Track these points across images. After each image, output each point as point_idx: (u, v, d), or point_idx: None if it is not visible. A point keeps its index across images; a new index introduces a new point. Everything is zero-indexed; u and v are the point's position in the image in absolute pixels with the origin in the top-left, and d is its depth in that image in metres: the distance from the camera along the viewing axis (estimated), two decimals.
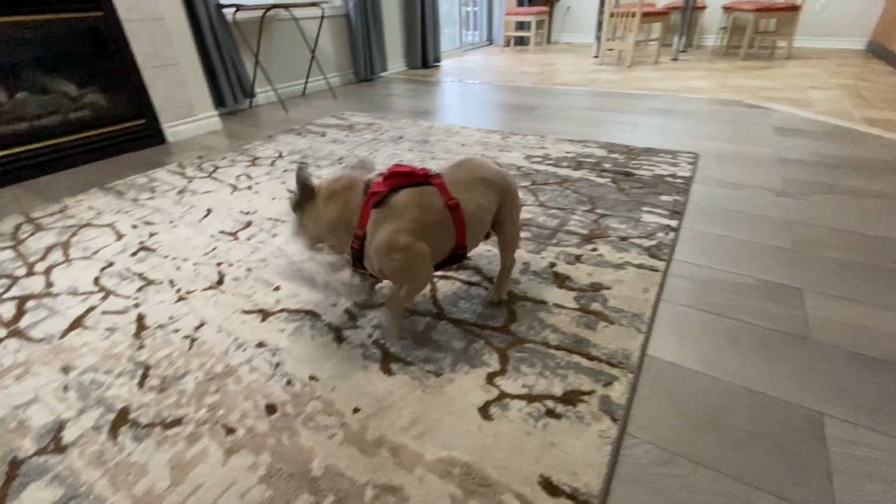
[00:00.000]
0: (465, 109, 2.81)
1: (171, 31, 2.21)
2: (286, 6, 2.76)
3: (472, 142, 2.13)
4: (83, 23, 1.94)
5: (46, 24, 1.85)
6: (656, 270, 1.11)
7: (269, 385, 0.83)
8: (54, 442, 0.74)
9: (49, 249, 1.31)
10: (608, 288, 1.05)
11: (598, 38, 4.74)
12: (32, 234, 1.40)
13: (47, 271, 1.21)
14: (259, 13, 2.91)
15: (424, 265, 0.81)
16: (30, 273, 1.20)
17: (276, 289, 1.10)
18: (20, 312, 1.05)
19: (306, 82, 3.41)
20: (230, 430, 0.74)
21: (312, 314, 1.01)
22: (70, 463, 0.70)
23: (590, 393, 0.78)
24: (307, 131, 2.40)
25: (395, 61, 4.32)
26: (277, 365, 0.87)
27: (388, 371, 0.85)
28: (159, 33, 2.16)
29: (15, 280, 1.17)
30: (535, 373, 0.83)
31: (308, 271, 0.99)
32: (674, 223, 1.33)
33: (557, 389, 0.79)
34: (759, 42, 4.89)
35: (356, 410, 0.77)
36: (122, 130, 2.15)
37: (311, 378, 0.84)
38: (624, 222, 1.34)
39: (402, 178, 0.82)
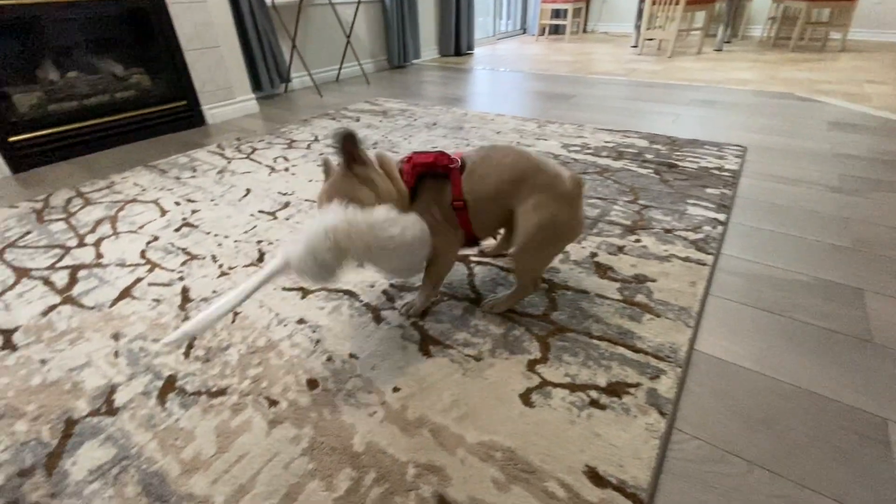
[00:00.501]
0: (500, 97, 2.76)
1: (213, 13, 2.24)
2: None
3: (507, 129, 2.09)
4: (131, 4, 1.99)
5: (96, 5, 1.90)
6: (704, 264, 1.07)
7: (309, 360, 0.83)
8: (106, 404, 0.76)
9: (98, 223, 1.36)
10: (653, 280, 1.02)
11: (638, 27, 4.58)
12: (82, 208, 1.45)
13: (97, 243, 1.25)
14: None
15: (454, 242, 0.87)
16: (81, 244, 1.25)
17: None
18: (73, 281, 1.09)
19: (340, 68, 3.42)
20: (273, 402, 0.75)
21: (350, 294, 1.01)
22: (121, 425, 0.72)
23: (636, 385, 0.76)
24: (341, 116, 2.41)
25: (428, 48, 4.29)
26: (318, 342, 0.88)
27: (427, 353, 0.84)
28: (201, 16, 2.20)
29: (67, 250, 1.22)
30: (577, 362, 0.81)
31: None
32: (721, 217, 1.27)
33: (601, 380, 0.77)
34: (810, 34, 4.63)
35: (396, 390, 0.77)
36: (165, 111, 2.20)
37: (351, 356, 0.84)
38: (668, 214, 1.29)
39: (424, 167, 0.82)
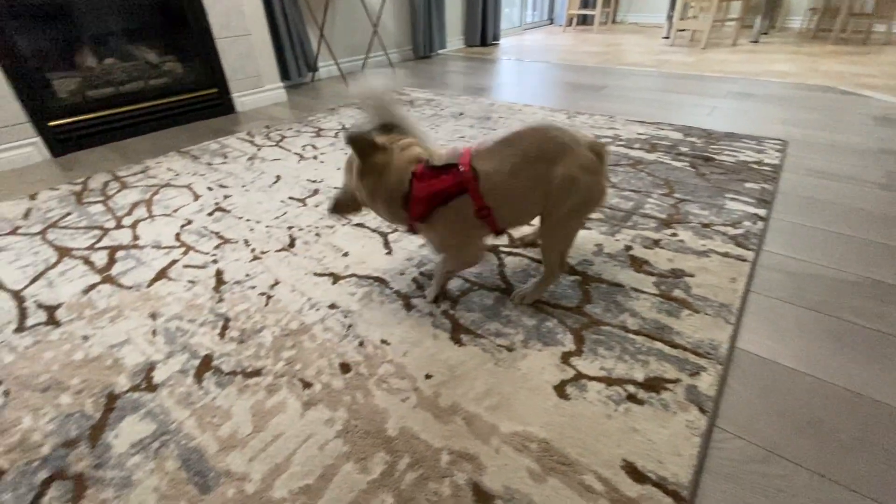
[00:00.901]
0: (527, 87, 2.72)
1: (244, 1, 2.26)
2: None
3: (535, 120, 2.06)
4: None
5: None
6: (744, 260, 1.03)
7: (342, 345, 0.84)
8: (146, 381, 0.78)
9: (134, 205, 1.39)
10: (691, 275, 0.98)
11: (670, 18, 4.44)
12: (119, 191, 1.49)
13: (133, 225, 1.28)
14: None
15: (475, 246, 0.88)
16: (118, 226, 1.28)
17: (346, 254, 1.11)
18: (111, 261, 1.12)
19: (366, 57, 3.41)
20: (307, 385, 0.75)
21: (381, 280, 1.01)
22: (161, 401, 0.74)
23: (675, 381, 0.74)
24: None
25: (454, 38, 4.25)
26: (349, 326, 0.88)
27: (458, 342, 0.84)
28: (233, 4, 2.21)
29: (106, 231, 1.25)
30: (613, 356, 0.79)
31: None
32: (762, 212, 1.23)
33: (639, 375, 0.75)
34: (852, 25, 4.42)
35: (428, 377, 0.76)
36: (197, 98, 2.24)
37: (383, 342, 0.84)
38: (705, 208, 1.25)
39: (439, 197, 0.78)
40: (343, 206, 0.88)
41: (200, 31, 2.15)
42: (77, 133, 1.89)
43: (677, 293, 0.93)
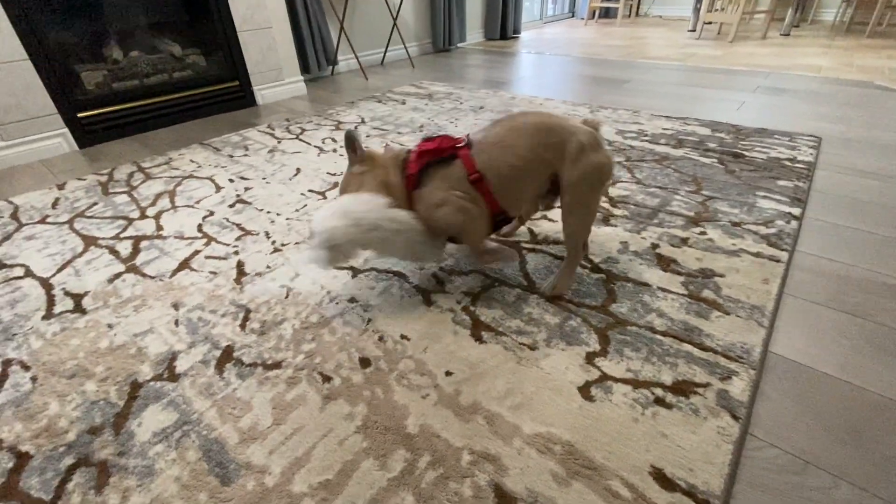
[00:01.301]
0: (548, 81, 2.67)
1: None
2: None
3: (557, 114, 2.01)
4: None
5: None
6: (777, 261, 0.99)
7: (361, 339, 0.83)
8: (168, 370, 0.78)
9: (158, 196, 1.41)
10: (721, 275, 0.95)
11: (697, 10, 4.32)
12: (143, 182, 1.51)
13: (157, 216, 1.29)
14: None
15: (478, 217, 0.85)
16: (142, 216, 1.29)
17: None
18: (136, 251, 1.13)
19: (386, 51, 3.40)
20: (327, 378, 0.75)
21: (400, 275, 1.00)
22: (182, 391, 0.74)
23: (705, 385, 0.71)
24: (387, 99, 2.40)
25: (474, 32, 4.20)
26: (369, 321, 0.87)
27: (479, 339, 0.82)
28: None
29: (130, 221, 1.27)
30: (640, 358, 0.76)
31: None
32: (796, 211, 1.18)
33: (667, 378, 0.73)
34: (889, 18, 4.23)
35: (449, 374, 0.75)
36: (219, 91, 2.26)
37: (403, 337, 0.83)
38: (735, 206, 1.21)
39: (430, 154, 0.84)
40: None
41: (223, 24, 2.16)
42: (103, 125, 1.93)
43: (707, 294, 0.90)
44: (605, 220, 1.17)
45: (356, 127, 1.96)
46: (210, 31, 2.18)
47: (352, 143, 0.86)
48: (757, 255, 1.01)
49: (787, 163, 1.45)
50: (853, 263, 1.00)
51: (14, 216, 1.32)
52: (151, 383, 0.76)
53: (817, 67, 2.77)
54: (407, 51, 3.26)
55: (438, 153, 0.84)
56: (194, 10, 2.13)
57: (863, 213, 1.18)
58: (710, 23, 4.42)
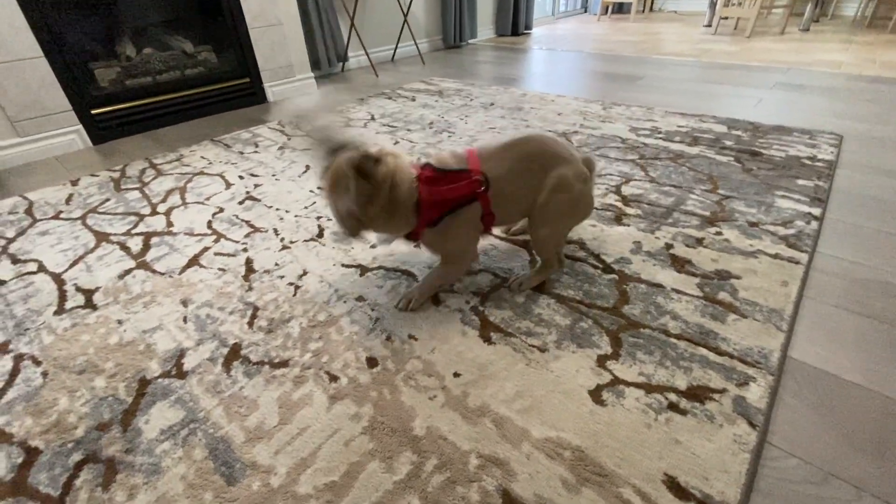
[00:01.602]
0: (560, 78, 2.64)
1: None
2: None
3: (569, 111, 1.99)
4: None
5: None
6: (797, 263, 0.96)
7: (368, 339, 0.82)
8: (176, 367, 0.78)
9: (169, 193, 1.42)
10: (737, 277, 0.92)
11: (713, 5, 4.23)
12: (155, 178, 1.52)
13: (167, 212, 1.30)
14: None
15: (474, 251, 0.90)
16: (153, 212, 1.30)
17: (373, 246, 1.09)
18: (146, 247, 1.14)
19: (396, 47, 3.39)
20: (333, 378, 0.74)
21: (408, 274, 0.99)
22: (190, 389, 0.74)
23: (720, 391, 0.69)
24: (397, 95, 2.39)
25: (485, 28, 4.17)
26: (377, 320, 0.86)
27: (487, 340, 0.81)
28: None
29: (141, 218, 1.28)
30: (653, 361, 0.74)
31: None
32: (816, 211, 1.14)
33: (681, 382, 0.71)
34: None
35: (456, 375, 0.74)
36: (230, 88, 2.26)
37: (410, 337, 0.82)
38: (753, 206, 1.17)
39: (450, 204, 0.80)
40: (354, 228, 0.78)
41: (234, 21, 2.17)
42: (116, 121, 1.94)
43: (723, 296, 0.88)
44: (618, 220, 1.15)
45: (365, 125, 1.96)
46: (221, 28, 2.18)
47: (367, 170, 0.72)
48: (775, 256, 0.98)
49: (807, 161, 1.41)
50: (876, 266, 0.96)
51: (29, 212, 1.34)
52: (159, 380, 0.76)
53: (838, 63, 2.70)
54: (417, 47, 3.24)
55: (458, 201, 0.80)
56: (206, 7, 2.14)
57: (886, 214, 1.14)
58: (726, 18, 4.33)
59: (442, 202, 0.79)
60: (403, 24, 3.29)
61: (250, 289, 0.97)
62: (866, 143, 1.56)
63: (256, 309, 0.91)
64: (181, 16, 2.14)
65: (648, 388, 0.70)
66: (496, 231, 1.12)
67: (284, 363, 0.78)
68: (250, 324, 0.87)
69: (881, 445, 0.62)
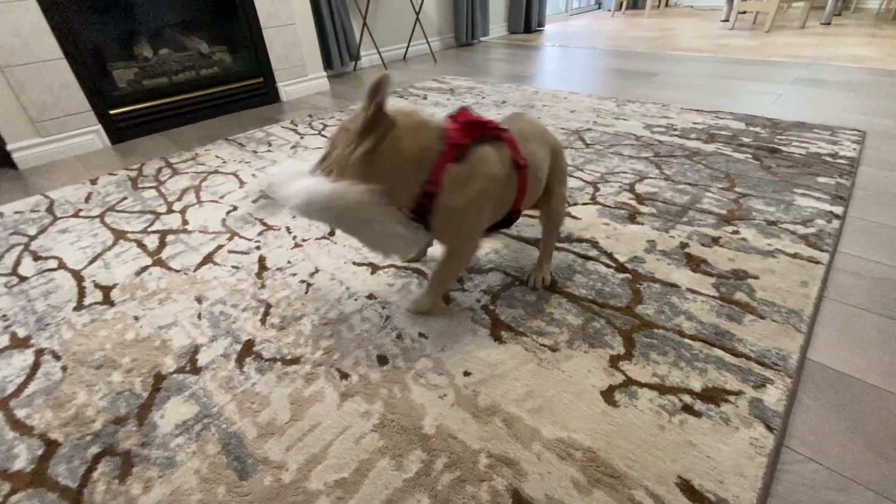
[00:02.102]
0: (573, 75, 2.61)
1: None
2: None
3: (582, 108, 1.97)
4: None
5: None
6: (817, 262, 0.93)
7: (379, 336, 0.82)
8: (191, 363, 0.80)
9: (184, 191, 1.44)
10: (755, 277, 0.90)
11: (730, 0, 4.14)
12: (171, 177, 1.55)
13: (183, 210, 1.32)
14: None
15: (479, 234, 0.79)
16: (169, 211, 1.32)
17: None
18: (162, 244, 1.16)
19: (408, 46, 3.39)
20: (344, 375, 0.74)
21: (419, 272, 0.99)
22: (204, 384, 0.75)
23: (737, 393, 0.67)
24: (409, 94, 2.39)
25: (497, 25, 4.15)
26: (387, 318, 0.86)
27: (498, 339, 0.80)
28: None
29: (157, 216, 1.30)
30: (667, 362, 0.73)
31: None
32: (837, 209, 1.11)
33: (695, 384, 0.69)
34: None
35: (467, 374, 0.74)
36: (244, 87, 2.29)
37: (421, 335, 0.82)
38: (771, 204, 1.15)
39: (479, 129, 0.72)
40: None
41: (248, 21, 2.19)
42: (134, 121, 1.98)
43: (739, 296, 0.86)
44: (632, 218, 1.13)
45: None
46: (236, 29, 2.21)
47: (376, 93, 0.62)
48: (794, 255, 0.96)
49: (829, 158, 1.37)
50: None
51: (50, 210, 1.37)
52: (174, 375, 0.77)
53: (861, 58, 2.62)
54: (429, 45, 3.24)
55: (486, 130, 0.73)
56: (221, 7, 2.17)
57: None
58: (744, 12, 4.25)
59: (465, 125, 0.70)
60: (415, 23, 3.29)
61: (263, 286, 0.98)
62: (890, 140, 1.51)
63: (269, 306, 0.91)
64: (197, 17, 2.17)
65: (662, 390, 0.69)
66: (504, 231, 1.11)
67: (296, 360, 0.78)
68: (263, 321, 0.88)
69: None
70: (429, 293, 0.85)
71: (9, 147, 1.70)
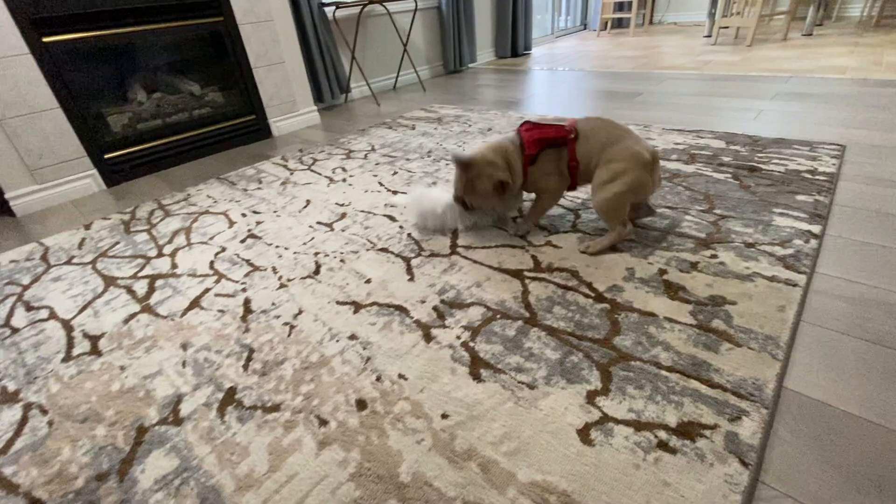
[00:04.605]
0: (558, 98, 2.66)
1: (279, 31, 2.36)
2: (381, 1, 2.81)
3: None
4: (207, 28, 2.14)
5: (179, 30, 2.06)
6: (794, 285, 0.94)
7: (359, 379, 0.83)
8: (173, 414, 0.80)
9: (175, 234, 1.47)
10: (732, 303, 0.91)
11: (712, 15, 4.24)
12: (162, 220, 1.58)
13: (173, 254, 1.34)
14: (356, 10, 3.01)
15: (560, 192, 1.22)
16: (159, 254, 1.35)
17: (368, 281, 1.11)
18: (151, 290, 1.18)
19: (397, 76, 3.47)
20: (323, 422, 0.75)
21: (401, 309, 1.00)
22: (185, 436, 0.76)
23: (712, 427, 0.67)
24: (398, 125, 2.44)
25: (484, 51, 4.25)
26: (368, 359, 0.87)
27: (477, 377, 0.81)
28: (269, 34, 2.32)
29: (148, 260, 1.32)
30: (643, 396, 0.73)
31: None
32: (815, 228, 1.12)
33: (671, 418, 0.69)
34: None
35: (444, 416, 0.74)
36: (236, 126, 2.35)
37: (400, 376, 0.82)
38: (750, 225, 1.16)
39: (547, 142, 1.13)
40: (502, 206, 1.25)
41: (239, 62, 2.26)
42: (129, 164, 2.03)
43: (717, 324, 0.86)
44: (612, 245, 1.14)
45: (365, 155, 2.00)
46: (227, 69, 2.28)
47: (460, 162, 1.13)
48: (772, 279, 0.96)
49: (808, 175, 1.39)
50: (879, 285, 0.94)
51: (44, 258, 1.40)
52: (156, 427, 0.78)
53: (842, 68, 2.67)
54: (418, 75, 3.32)
55: (554, 142, 1.12)
56: (212, 50, 2.24)
57: (891, 228, 1.11)
58: (726, 27, 4.34)
59: (538, 140, 1.12)
60: (403, 53, 3.38)
61: (247, 330, 0.99)
62: (870, 153, 1.53)
63: (252, 351, 0.92)
64: (188, 59, 2.24)
65: (638, 426, 0.69)
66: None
67: (276, 407, 0.79)
68: (245, 367, 0.89)
69: (882, 483, 0.60)
70: (526, 221, 1.24)
71: (6, 196, 1.74)
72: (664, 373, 0.77)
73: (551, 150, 1.13)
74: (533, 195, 1.27)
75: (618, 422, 0.70)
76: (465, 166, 1.12)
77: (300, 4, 2.60)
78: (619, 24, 5.71)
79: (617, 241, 1.11)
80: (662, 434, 0.67)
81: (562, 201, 1.41)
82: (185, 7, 2.03)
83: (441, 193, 1.31)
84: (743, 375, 0.75)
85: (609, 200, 1.06)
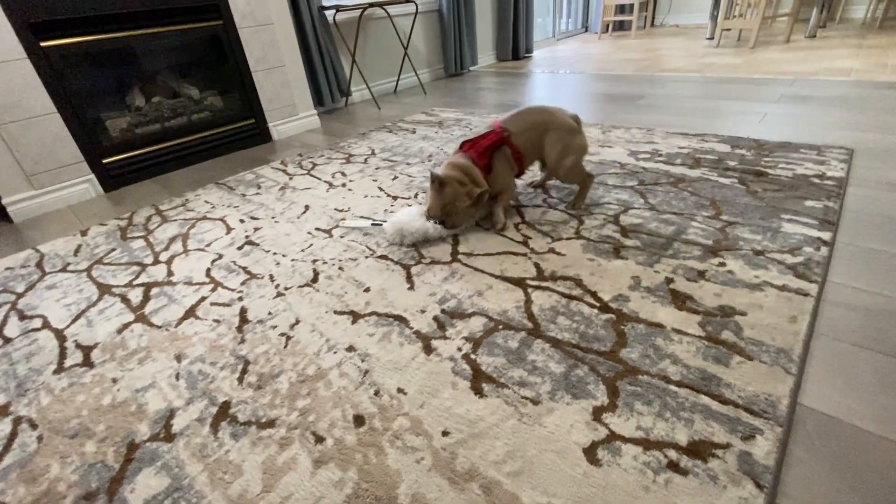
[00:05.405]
0: (559, 101, 2.64)
1: (279, 35, 2.34)
2: (381, 4, 2.80)
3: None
4: (206, 32, 2.12)
5: (178, 34, 2.05)
6: (806, 294, 0.91)
7: (357, 393, 0.80)
8: (165, 429, 0.78)
9: (172, 240, 1.44)
10: (742, 314, 0.88)
11: (714, 17, 4.22)
12: (160, 226, 1.56)
13: (169, 261, 1.32)
14: (357, 13, 3.00)
15: (512, 187, 1.35)
16: (155, 262, 1.32)
17: (367, 290, 1.09)
18: (146, 298, 1.15)
19: (398, 79, 3.46)
20: (319, 439, 0.72)
21: (401, 319, 0.98)
22: (177, 453, 0.73)
23: (725, 447, 0.64)
24: (398, 128, 2.42)
25: (485, 54, 4.23)
26: (366, 372, 0.84)
27: (479, 392, 0.78)
28: (268, 38, 2.30)
29: (143, 268, 1.30)
30: (652, 413, 0.71)
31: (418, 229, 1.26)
32: (826, 235, 1.09)
33: (681, 437, 0.67)
34: None
35: (445, 433, 0.71)
36: (235, 130, 2.33)
37: (399, 391, 0.80)
38: (758, 232, 1.13)
39: (491, 148, 1.28)
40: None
41: (238, 66, 2.24)
42: (126, 169, 2.01)
43: (726, 335, 0.83)
44: (616, 252, 1.12)
45: (365, 160, 1.98)
46: (226, 73, 2.26)
47: (435, 180, 1.21)
48: (782, 288, 0.94)
49: (816, 180, 1.36)
50: (894, 295, 0.91)
51: (39, 265, 1.38)
52: (148, 444, 0.76)
53: (847, 70, 2.64)
54: (418, 78, 3.30)
55: (496, 145, 1.27)
56: (211, 54, 2.23)
57: None
58: (728, 29, 4.31)
59: (484, 150, 1.26)
60: (404, 56, 3.37)
61: (243, 341, 0.96)
62: (879, 157, 1.50)
63: (247, 363, 0.90)
64: (187, 63, 2.23)
65: (647, 445, 0.66)
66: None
67: (271, 423, 0.76)
68: (240, 380, 0.86)
69: None
70: (499, 219, 1.30)
71: (3, 201, 1.72)
72: (673, 387, 0.74)
73: (498, 153, 1.27)
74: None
75: (626, 440, 0.67)
76: (442, 184, 1.20)
77: (300, 8, 2.59)
78: (621, 26, 5.69)
79: (589, 188, 1.36)
80: (673, 454, 0.64)
81: (565, 206, 1.39)
82: (184, 11, 2.01)
83: (412, 211, 1.31)
84: (755, 391, 0.72)
85: (571, 168, 1.30)
